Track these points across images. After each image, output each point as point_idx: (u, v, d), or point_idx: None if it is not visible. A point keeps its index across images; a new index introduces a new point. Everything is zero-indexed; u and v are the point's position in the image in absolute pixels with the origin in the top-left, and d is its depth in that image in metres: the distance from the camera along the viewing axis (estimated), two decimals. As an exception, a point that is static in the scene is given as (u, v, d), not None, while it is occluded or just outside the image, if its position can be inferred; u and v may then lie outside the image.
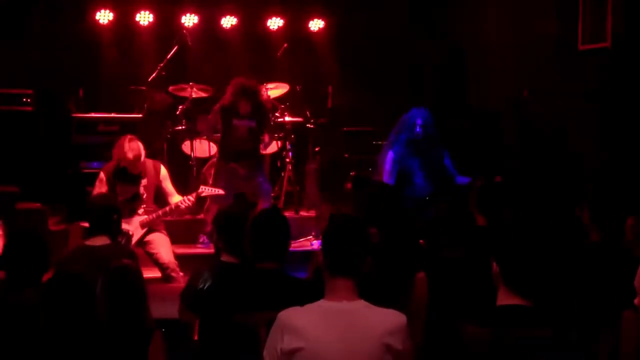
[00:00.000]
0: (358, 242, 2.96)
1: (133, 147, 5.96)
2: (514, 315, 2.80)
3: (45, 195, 7.44)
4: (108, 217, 4.67)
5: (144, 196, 6.21)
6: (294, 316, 2.87)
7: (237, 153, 7.12)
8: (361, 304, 2.90)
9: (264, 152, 7.74)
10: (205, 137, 7.91)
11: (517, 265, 2.85)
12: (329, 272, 2.93)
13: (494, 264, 2.90)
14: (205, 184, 7.10)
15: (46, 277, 3.63)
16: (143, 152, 6.07)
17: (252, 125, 7.11)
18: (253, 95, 7.10)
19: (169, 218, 6.14)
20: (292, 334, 2.82)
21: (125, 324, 3.25)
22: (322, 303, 2.91)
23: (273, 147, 8.18)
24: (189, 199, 6.14)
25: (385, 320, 2.87)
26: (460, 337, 2.83)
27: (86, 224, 6.08)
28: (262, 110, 7.29)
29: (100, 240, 4.56)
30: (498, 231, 3.28)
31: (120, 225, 4.87)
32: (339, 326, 2.82)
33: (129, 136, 6.10)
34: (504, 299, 2.86)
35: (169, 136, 8.20)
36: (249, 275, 3.65)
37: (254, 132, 7.15)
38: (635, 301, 3.55)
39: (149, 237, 6.18)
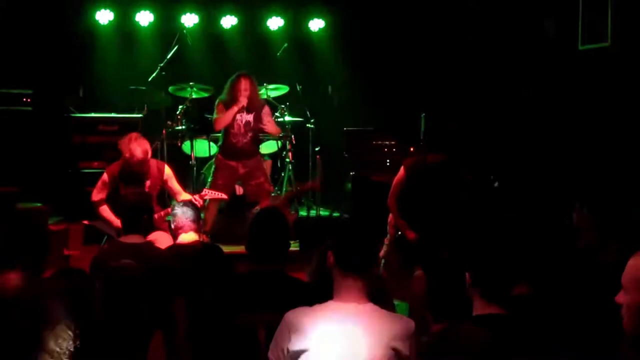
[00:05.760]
0: (369, 240, 2.95)
1: (141, 144, 5.84)
2: (490, 324, 2.71)
3: (45, 195, 7.43)
4: (141, 216, 4.61)
5: None
6: (302, 316, 2.84)
7: (236, 148, 7.10)
8: (370, 307, 2.87)
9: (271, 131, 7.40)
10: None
11: (489, 274, 2.78)
12: (340, 270, 2.89)
13: (467, 274, 2.82)
14: (205, 184, 7.07)
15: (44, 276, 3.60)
16: (150, 149, 5.97)
17: (249, 119, 7.08)
18: (247, 89, 7.06)
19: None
20: (299, 334, 2.79)
21: (125, 324, 3.24)
22: (330, 304, 2.88)
23: (273, 147, 8.17)
24: (197, 200, 5.97)
25: (394, 325, 2.84)
26: (458, 337, 2.80)
27: (86, 222, 6.11)
28: (257, 103, 7.25)
29: (135, 239, 4.49)
30: (469, 240, 3.17)
31: (152, 223, 4.83)
32: (347, 329, 2.79)
33: (134, 134, 5.93)
34: (480, 308, 2.79)
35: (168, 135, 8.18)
36: (250, 276, 3.63)
37: (250, 126, 7.12)
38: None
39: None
